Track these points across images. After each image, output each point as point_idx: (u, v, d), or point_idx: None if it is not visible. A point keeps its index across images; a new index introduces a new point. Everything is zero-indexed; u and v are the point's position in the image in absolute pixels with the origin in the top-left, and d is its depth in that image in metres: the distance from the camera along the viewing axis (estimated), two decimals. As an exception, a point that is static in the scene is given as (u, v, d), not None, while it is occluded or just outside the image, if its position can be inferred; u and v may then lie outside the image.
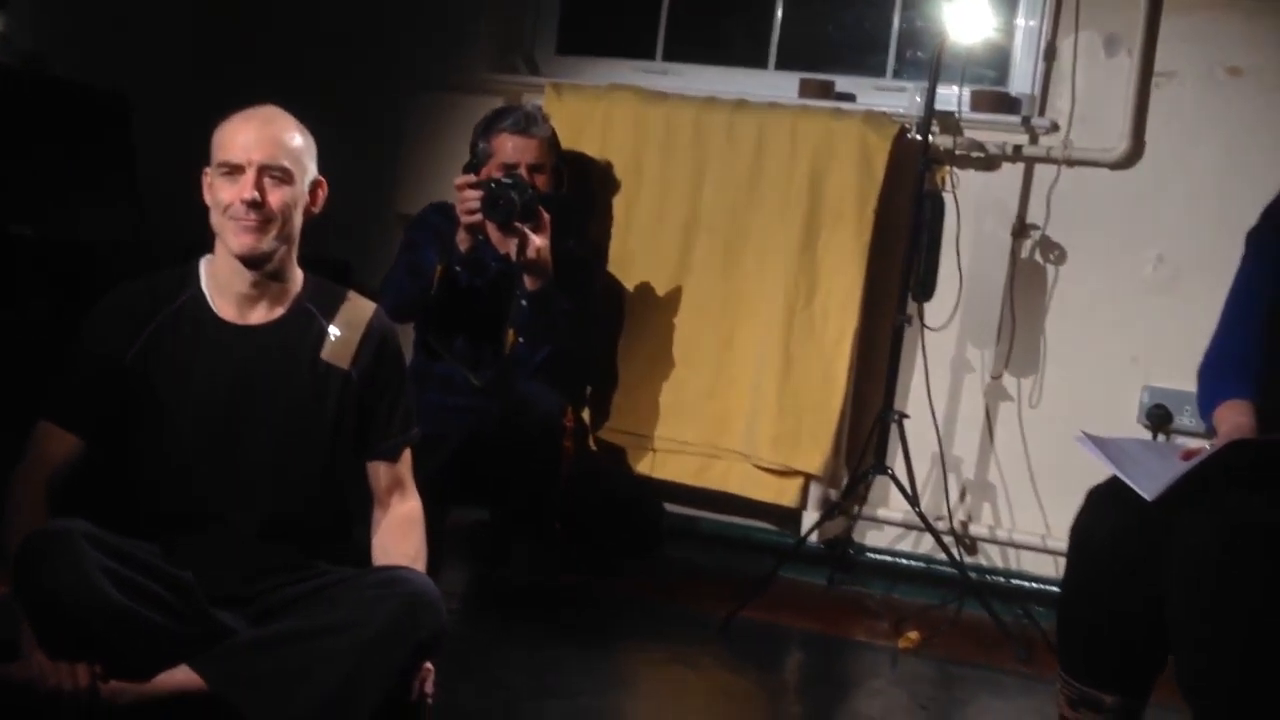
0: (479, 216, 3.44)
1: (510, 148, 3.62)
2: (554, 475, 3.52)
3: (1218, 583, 2.22)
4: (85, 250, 3.57)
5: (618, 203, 4.08)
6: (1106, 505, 2.43)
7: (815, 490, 3.92)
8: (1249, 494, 2.28)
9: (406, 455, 2.74)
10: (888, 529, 4.03)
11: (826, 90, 4.12)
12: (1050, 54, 3.90)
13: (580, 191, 3.95)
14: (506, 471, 3.47)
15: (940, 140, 3.85)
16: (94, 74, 3.84)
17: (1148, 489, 2.33)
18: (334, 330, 2.62)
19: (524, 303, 3.46)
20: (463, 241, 3.48)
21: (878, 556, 4.02)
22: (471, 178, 3.51)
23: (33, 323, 3.30)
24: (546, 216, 3.46)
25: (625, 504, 3.91)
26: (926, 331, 3.85)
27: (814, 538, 3.79)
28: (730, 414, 3.94)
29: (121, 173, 3.63)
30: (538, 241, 3.43)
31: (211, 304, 2.57)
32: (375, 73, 4.45)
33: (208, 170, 2.53)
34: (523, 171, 3.58)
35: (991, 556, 3.96)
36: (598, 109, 4.08)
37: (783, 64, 4.30)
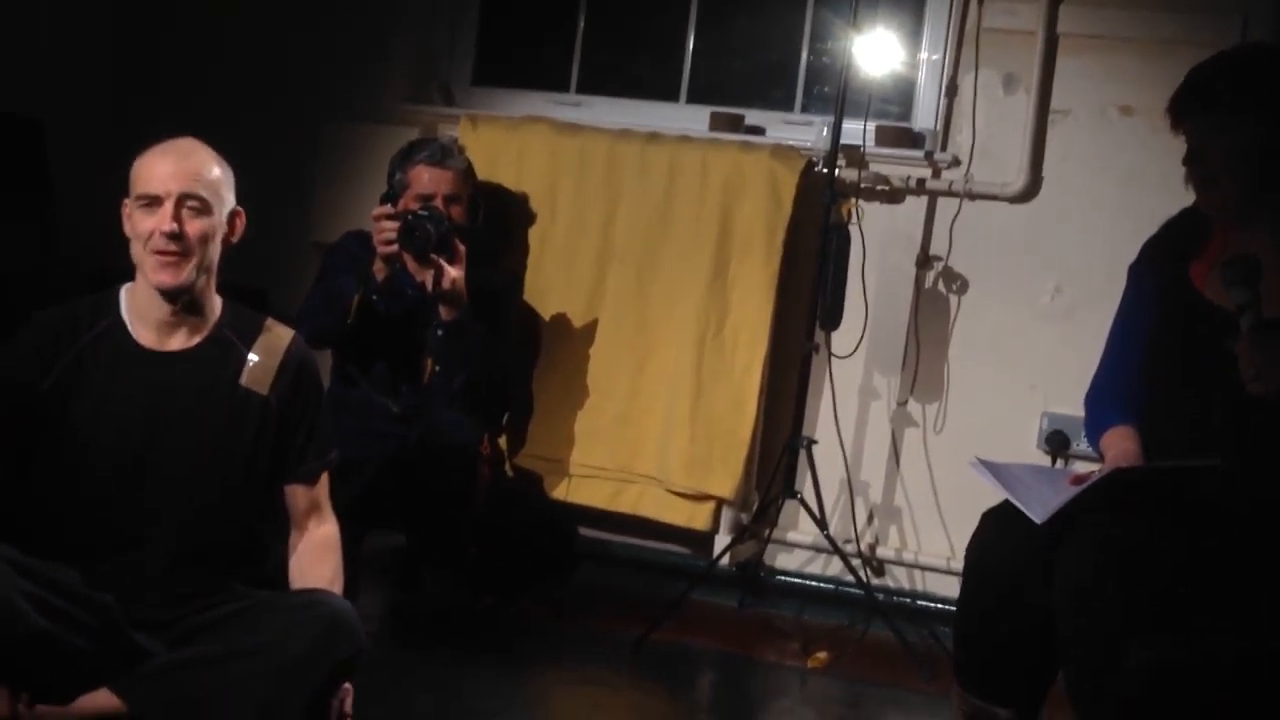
0: (395, 247, 3.50)
1: (426, 179, 3.68)
2: (468, 501, 3.58)
3: (1094, 599, 2.33)
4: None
5: (532, 233, 4.16)
6: (999, 526, 2.53)
7: (726, 514, 4.01)
8: (1127, 516, 2.39)
9: (324, 479, 2.79)
10: (797, 552, 4.13)
11: (736, 124, 4.22)
12: (952, 91, 4.03)
13: (495, 222, 4.02)
14: (422, 498, 3.52)
15: (846, 173, 3.96)
16: (7, 100, 3.86)
17: (1037, 512, 2.44)
18: (253, 357, 2.66)
19: (439, 332, 3.53)
20: (379, 271, 3.53)
21: (788, 579, 4.12)
22: (389, 209, 3.56)
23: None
24: (462, 248, 3.52)
25: (539, 528, 3.96)
26: (834, 359, 3.96)
27: (725, 560, 3.88)
28: (643, 439, 4.02)
29: (36, 199, 3.63)
30: (452, 272, 3.49)
31: (131, 331, 2.60)
32: (291, 103, 4.50)
33: (127, 201, 2.57)
34: (439, 202, 3.64)
35: (898, 578, 4.07)
36: (513, 140, 4.15)
37: (694, 98, 4.39)
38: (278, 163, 4.26)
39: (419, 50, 4.55)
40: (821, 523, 3.76)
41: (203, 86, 4.53)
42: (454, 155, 3.75)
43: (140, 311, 2.61)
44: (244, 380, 2.65)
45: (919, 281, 4.04)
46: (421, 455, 3.48)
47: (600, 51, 4.52)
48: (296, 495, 2.76)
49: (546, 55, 4.58)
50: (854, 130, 3.92)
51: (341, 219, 4.15)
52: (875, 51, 3.87)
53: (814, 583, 4.10)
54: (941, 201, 4.04)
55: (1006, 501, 2.53)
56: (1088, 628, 2.32)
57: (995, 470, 2.59)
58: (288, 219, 4.36)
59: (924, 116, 4.14)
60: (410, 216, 3.50)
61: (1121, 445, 2.62)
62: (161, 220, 2.51)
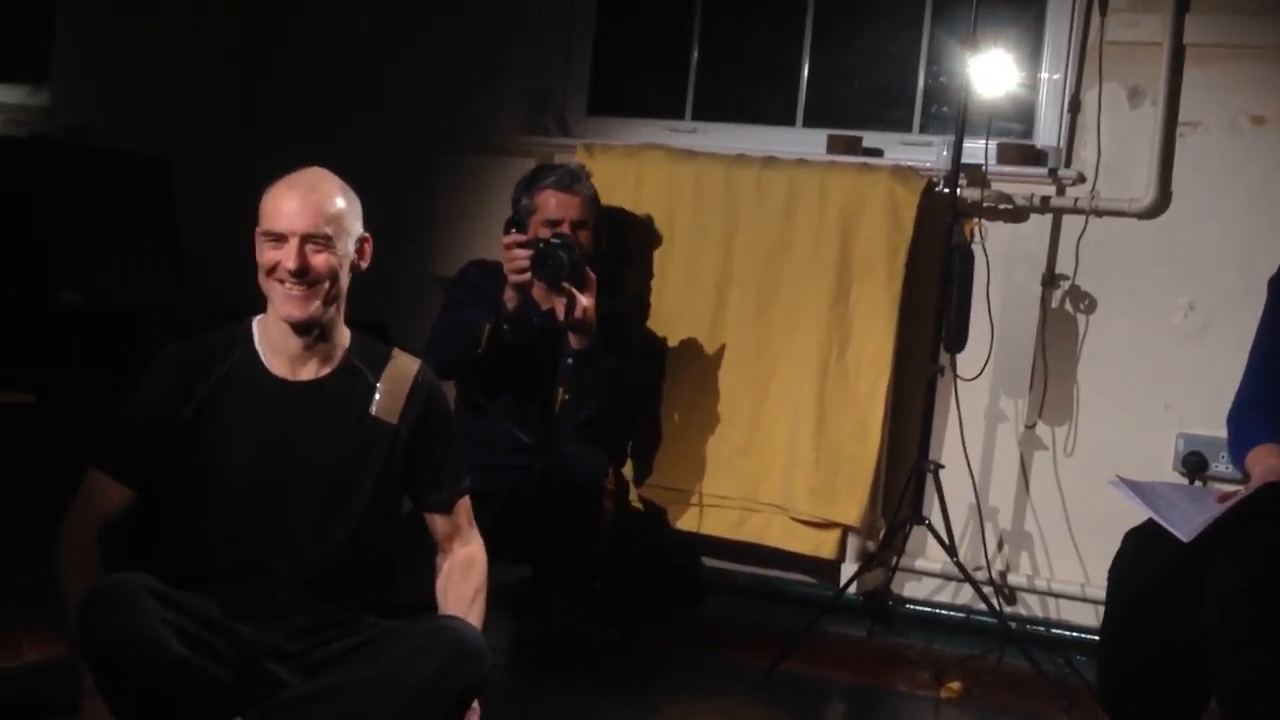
0: (527, 276, 3.48)
1: (553, 204, 3.67)
2: (592, 535, 3.56)
3: (1251, 615, 2.24)
4: (127, 314, 3.65)
5: (651, 259, 4.14)
6: (1143, 546, 2.46)
7: (853, 542, 3.95)
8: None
9: (464, 503, 2.80)
10: (926, 580, 4.05)
11: (854, 146, 4.17)
12: (1075, 106, 3.96)
13: (617, 247, 4.00)
14: (547, 532, 3.51)
15: (968, 193, 3.89)
16: (134, 141, 3.93)
17: (1183, 530, 2.36)
18: (382, 386, 2.67)
19: (570, 361, 3.50)
20: (510, 300, 3.51)
21: (917, 608, 4.04)
22: (520, 237, 3.53)
23: (76, 385, 3.37)
24: (593, 276, 3.50)
25: (663, 559, 3.93)
26: (959, 382, 3.88)
27: (853, 589, 3.81)
28: (767, 467, 3.98)
29: (163, 237, 3.70)
30: (584, 301, 3.47)
31: (264, 361, 2.63)
32: (409, 136, 4.54)
33: (258, 232, 2.60)
34: (565, 227, 3.62)
35: (1031, 606, 3.97)
36: (629, 168, 4.15)
37: (810, 121, 4.36)
38: (396, 197, 4.28)
39: (534, 81, 4.57)
40: (951, 549, 3.68)
41: (322, 123, 4.59)
42: (581, 180, 3.74)
43: (272, 343, 2.63)
44: (374, 410, 2.66)
45: (1045, 301, 3.96)
46: (545, 490, 3.47)
47: (715, 77, 4.51)
48: (435, 523, 2.77)
49: (661, 82, 4.58)
50: (974, 149, 3.87)
51: (461, 252, 4.16)
52: (994, 69, 3.80)
53: (944, 611, 4.01)
54: (1067, 219, 3.95)
55: (1150, 521, 2.46)
56: (1244, 640, 2.24)
57: (1137, 489, 2.51)
58: (407, 253, 4.38)
59: (1047, 133, 4.07)
60: (543, 245, 3.48)
61: (1268, 461, 2.54)
62: (287, 257, 2.53)
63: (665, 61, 4.58)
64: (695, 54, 4.50)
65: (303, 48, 4.71)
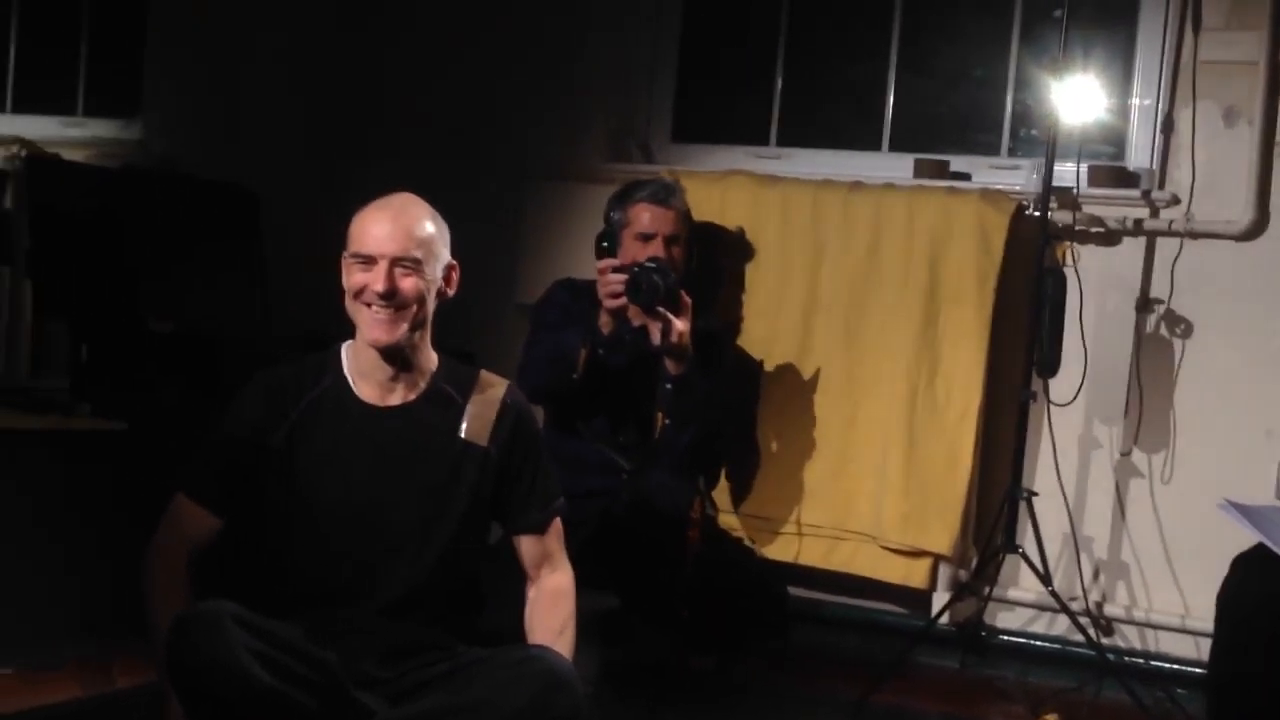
0: (623, 300, 3.44)
1: (647, 218, 3.62)
2: (679, 565, 3.51)
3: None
4: (216, 341, 3.68)
5: (737, 284, 4.10)
6: (1254, 571, 2.39)
7: (944, 571, 3.87)
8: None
9: (556, 527, 2.77)
10: (1019, 610, 3.96)
11: (942, 170, 4.12)
12: (1168, 127, 3.88)
13: (709, 264, 3.95)
14: (632, 562, 3.48)
15: (1059, 216, 3.83)
16: (222, 171, 3.98)
17: (1296, 555, 2.29)
18: (471, 409, 2.66)
19: (668, 387, 3.46)
20: (605, 325, 3.47)
21: (1011, 639, 3.95)
22: (614, 261, 3.49)
23: (167, 411, 3.39)
24: (688, 300, 3.45)
25: (750, 588, 3.87)
26: (1052, 408, 3.81)
27: (944, 619, 3.74)
28: (856, 494, 3.92)
29: (250, 265, 3.73)
30: (680, 326, 3.42)
31: (353, 387, 2.63)
32: (491, 163, 4.54)
33: (345, 255, 2.60)
34: (658, 243, 3.59)
35: (1129, 638, 3.87)
36: (714, 193, 4.11)
37: (896, 145, 4.32)
38: (481, 225, 4.25)
39: (618, 108, 4.56)
40: (1046, 578, 3.60)
41: (407, 150, 4.60)
42: (675, 194, 3.69)
43: (361, 368, 2.63)
44: (463, 433, 2.65)
45: (1139, 325, 3.88)
46: (631, 519, 3.43)
47: (800, 103, 4.48)
48: (525, 546, 2.74)
49: (745, 109, 4.56)
50: (1065, 172, 3.80)
51: (546, 279, 4.11)
52: (1084, 91, 3.74)
53: (1039, 642, 3.92)
54: (1161, 241, 3.87)
55: (1259, 545, 2.38)
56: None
57: (1247, 512, 2.44)
58: (491, 280, 4.37)
59: (1139, 154, 3.99)
60: (637, 269, 3.43)
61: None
62: (375, 280, 2.53)
63: (750, 87, 4.56)
64: (780, 79, 4.48)
65: (390, 79, 4.73)
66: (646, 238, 3.60)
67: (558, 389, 3.50)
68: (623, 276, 3.44)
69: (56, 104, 5.35)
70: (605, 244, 3.67)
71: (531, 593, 2.74)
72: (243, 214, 3.77)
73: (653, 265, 3.45)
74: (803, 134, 4.46)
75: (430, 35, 4.72)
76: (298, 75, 4.63)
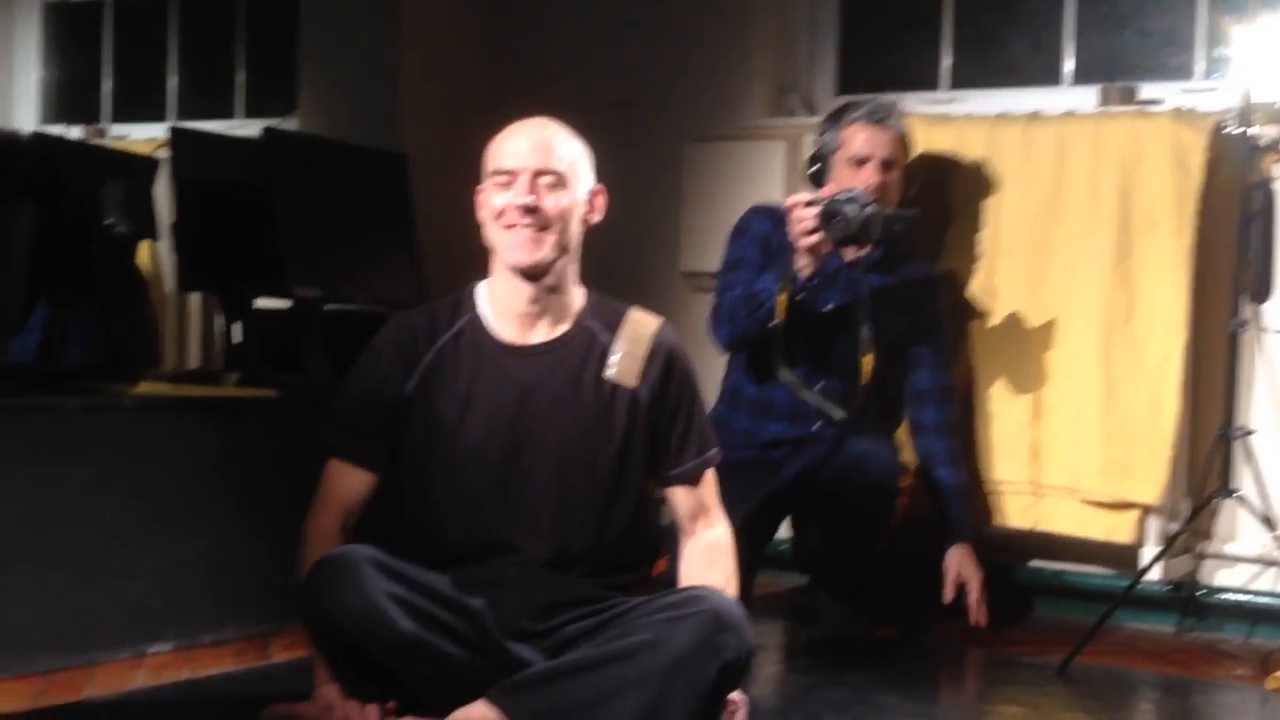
0: (817, 238, 3.16)
1: (861, 139, 3.37)
2: (880, 537, 3.32)
3: None
4: (366, 309, 3.61)
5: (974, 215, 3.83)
6: None
7: (1152, 524, 3.56)
8: None
9: (709, 478, 2.57)
10: (1240, 566, 3.62)
11: (1129, 98, 3.82)
12: (1380, 29, 3.53)
13: (935, 201, 3.69)
14: (831, 530, 3.30)
15: (1264, 132, 3.49)
16: (377, 139, 3.91)
17: None
18: (618, 347, 2.48)
19: (867, 329, 3.24)
20: (805, 267, 3.19)
21: (1231, 597, 3.60)
22: (805, 197, 3.20)
23: (316, 381, 3.31)
24: (898, 230, 3.17)
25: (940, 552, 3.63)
26: (1266, 336, 3.47)
27: (1156, 576, 3.42)
28: (1051, 447, 3.63)
29: (401, 233, 3.63)
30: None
31: (490, 326, 2.48)
32: (651, 125, 4.36)
33: (481, 187, 2.46)
34: (874, 166, 3.34)
35: (1367, 589, 3.51)
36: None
37: (1079, 79, 4.03)
38: (639, 188, 4.13)
39: (779, 62, 4.36)
40: (1270, 522, 3.27)
41: (562, 113, 4.47)
42: (894, 115, 3.42)
43: (499, 305, 2.48)
44: (610, 373, 2.47)
45: (1360, 244, 3.52)
46: (836, 485, 3.22)
47: (970, 43, 4.22)
48: (678, 497, 2.55)
49: (913, 54, 4.31)
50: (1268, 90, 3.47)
51: (709, 244, 3.95)
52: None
53: (1264, 599, 3.57)
54: (1378, 152, 3.52)
55: None
56: None
57: None
58: (653, 246, 4.24)
59: (1349, 61, 3.64)
60: (830, 200, 3.15)
61: None
62: (517, 194, 2.37)
63: (916, 32, 4.31)
64: (949, 19, 4.23)
65: (543, 38, 4.60)
66: (860, 161, 3.35)
67: (756, 338, 3.27)
68: (814, 210, 3.14)
69: (217, 108, 5.41)
70: (814, 172, 3.42)
71: (687, 547, 2.55)
72: (394, 180, 3.67)
73: (846, 195, 3.17)
74: (976, 75, 4.21)
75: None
76: (452, 48, 4.53)
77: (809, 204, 3.16)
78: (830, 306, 3.32)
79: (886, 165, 3.36)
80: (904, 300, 3.40)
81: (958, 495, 3.46)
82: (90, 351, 3.47)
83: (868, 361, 3.27)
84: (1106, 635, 3.28)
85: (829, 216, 3.13)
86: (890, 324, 3.36)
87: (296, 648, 2.84)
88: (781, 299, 3.19)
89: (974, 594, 3.35)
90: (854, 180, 3.32)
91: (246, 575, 3.08)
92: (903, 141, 3.45)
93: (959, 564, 3.39)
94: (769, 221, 3.40)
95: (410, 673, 2.21)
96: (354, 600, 2.16)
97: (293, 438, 3.04)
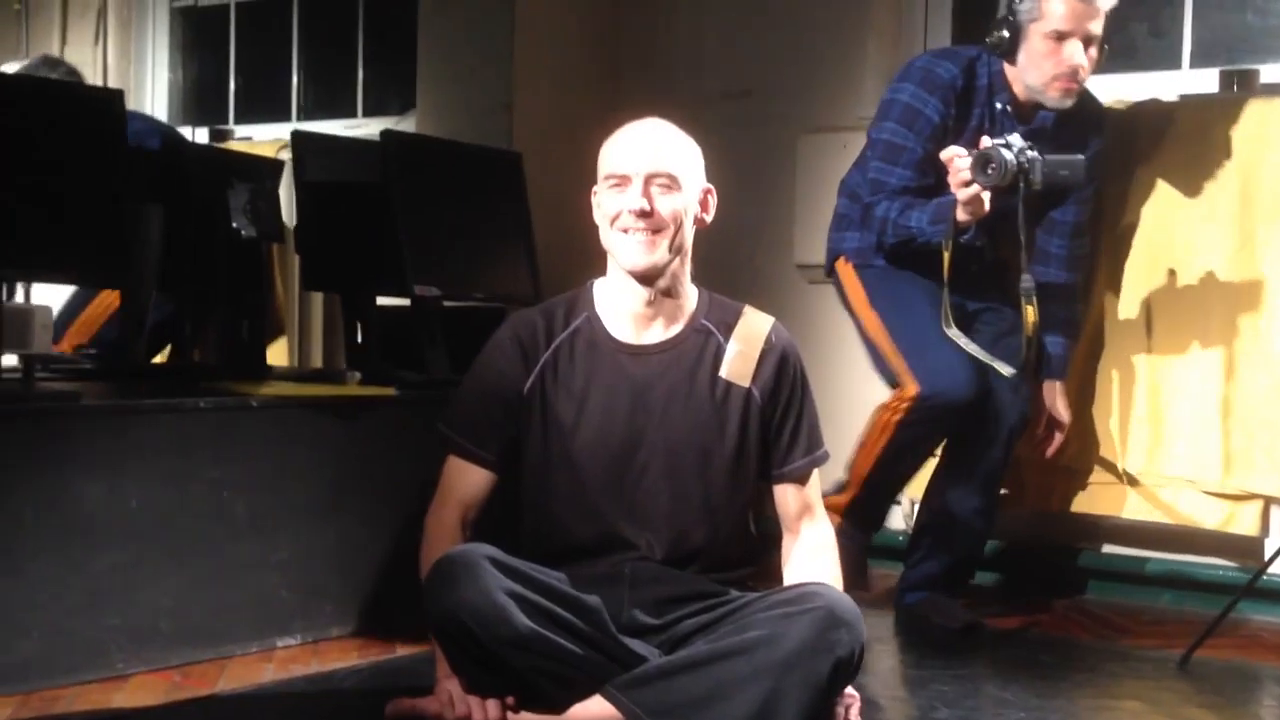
0: (974, 188, 3.04)
1: (1064, 11, 3.11)
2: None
3: None
4: (483, 307, 3.69)
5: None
6: None
7: (1277, 515, 3.51)
8: None
9: (815, 478, 2.60)
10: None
11: (1251, 82, 3.75)
12: None
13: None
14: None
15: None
16: (489, 134, 3.98)
17: None
18: (733, 346, 2.52)
19: (1027, 279, 3.15)
20: (965, 222, 3.10)
21: (1366, 590, 3.54)
22: (960, 150, 3.10)
23: (435, 379, 3.37)
24: (1064, 175, 3.06)
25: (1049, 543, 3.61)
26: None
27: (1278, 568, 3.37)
28: (1170, 437, 3.60)
29: (517, 231, 3.68)
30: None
31: (606, 326, 2.52)
32: (763, 119, 4.37)
33: (595, 189, 2.50)
34: (1076, 46, 3.14)
35: None
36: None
37: (1198, 62, 3.96)
38: (754, 180, 4.16)
39: (893, 52, 4.34)
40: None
41: (670, 105, 4.48)
42: None
43: (615, 305, 2.52)
44: (725, 372, 2.51)
45: None
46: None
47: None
48: (785, 496, 2.58)
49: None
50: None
51: (825, 237, 3.96)
52: None
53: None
54: None
55: None
56: None
57: None
58: (768, 239, 4.25)
59: None
60: (983, 149, 3.05)
61: None
62: (630, 198, 2.41)
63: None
64: (1063, 4, 4.17)
65: (655, 32, 4.63)
66: (1061, 36, 3.13)
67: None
68: (968, 156, 3.05)
69: (339, 107, 5.51)
70: (1001, 44, 3.21)
71: (790, 546, 2.59)
72: (508, 177, 3.73)
73: (1003, 141, 3.04)
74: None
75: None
76: (567, 45, 4.58)
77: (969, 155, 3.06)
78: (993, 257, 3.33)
79: (1090, 43, 3.15)
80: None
81: (1070, 303, 3.50)
82: (220, 352, 3.57)
83: (1029, 312, 3.15)
84: (1229, 628, 3.24)
85: (983, 162, 3.02)
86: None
87: (418, 644, 2.89)
88: (945, 258, 3.12)
89: (1058, 439, 3.49)
90: (1051, 59, 3.17)
91: (371, 570, 3.15)
92: (1110, 17, 3.21)
93: (1054, 403, 3.49)
94: (955, 65, 3.27)
95: (529, 668, 2.26)
96: (474, 597, 2.22)
97: (414, 434, 3.11)
